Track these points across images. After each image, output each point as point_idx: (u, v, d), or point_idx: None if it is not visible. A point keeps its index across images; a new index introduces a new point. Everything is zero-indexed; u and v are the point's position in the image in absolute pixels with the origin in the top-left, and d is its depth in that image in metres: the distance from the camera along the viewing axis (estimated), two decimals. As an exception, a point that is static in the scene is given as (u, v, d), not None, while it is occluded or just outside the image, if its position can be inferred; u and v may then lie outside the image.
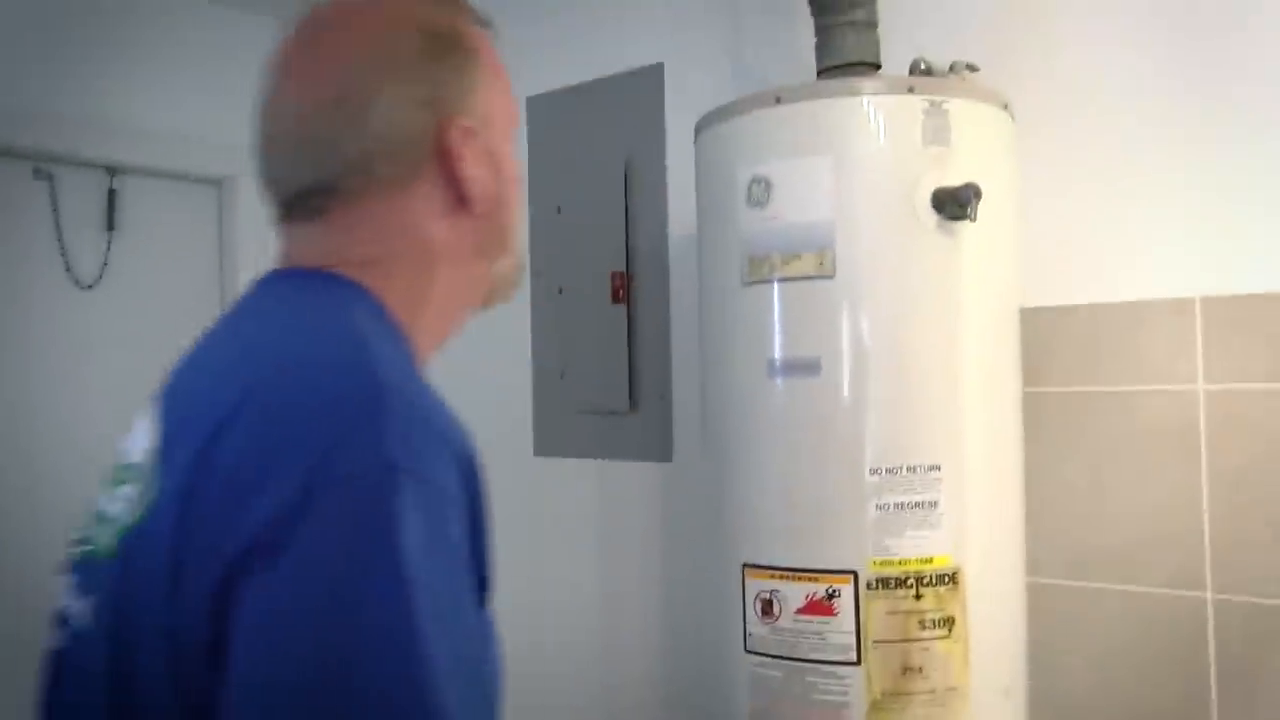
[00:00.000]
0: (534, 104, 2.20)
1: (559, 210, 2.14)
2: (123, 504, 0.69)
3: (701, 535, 1.50)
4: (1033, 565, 1.46)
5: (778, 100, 1.31)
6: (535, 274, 2.19)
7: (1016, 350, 1.43)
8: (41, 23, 2.20)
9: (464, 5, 0.86)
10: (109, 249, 2.35)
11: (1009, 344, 1.40)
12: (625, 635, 2.04)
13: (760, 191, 1.32)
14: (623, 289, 2.02)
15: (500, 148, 0.83)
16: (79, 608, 0.70)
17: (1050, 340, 1.53)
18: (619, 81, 2.05)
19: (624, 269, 2.02)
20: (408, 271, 0.79)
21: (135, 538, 0.66)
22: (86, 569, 0.71)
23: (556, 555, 2.17)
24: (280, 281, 0.79)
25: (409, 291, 0.79)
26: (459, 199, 0.80)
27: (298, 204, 0.78)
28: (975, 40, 1.59)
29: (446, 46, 0.80)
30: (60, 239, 2.28)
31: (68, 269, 2.29)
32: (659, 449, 1.98)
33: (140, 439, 0.71)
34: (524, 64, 2.20)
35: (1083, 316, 1.51)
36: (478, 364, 2.28)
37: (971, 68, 1.57)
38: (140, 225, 2.42)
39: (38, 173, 2.25)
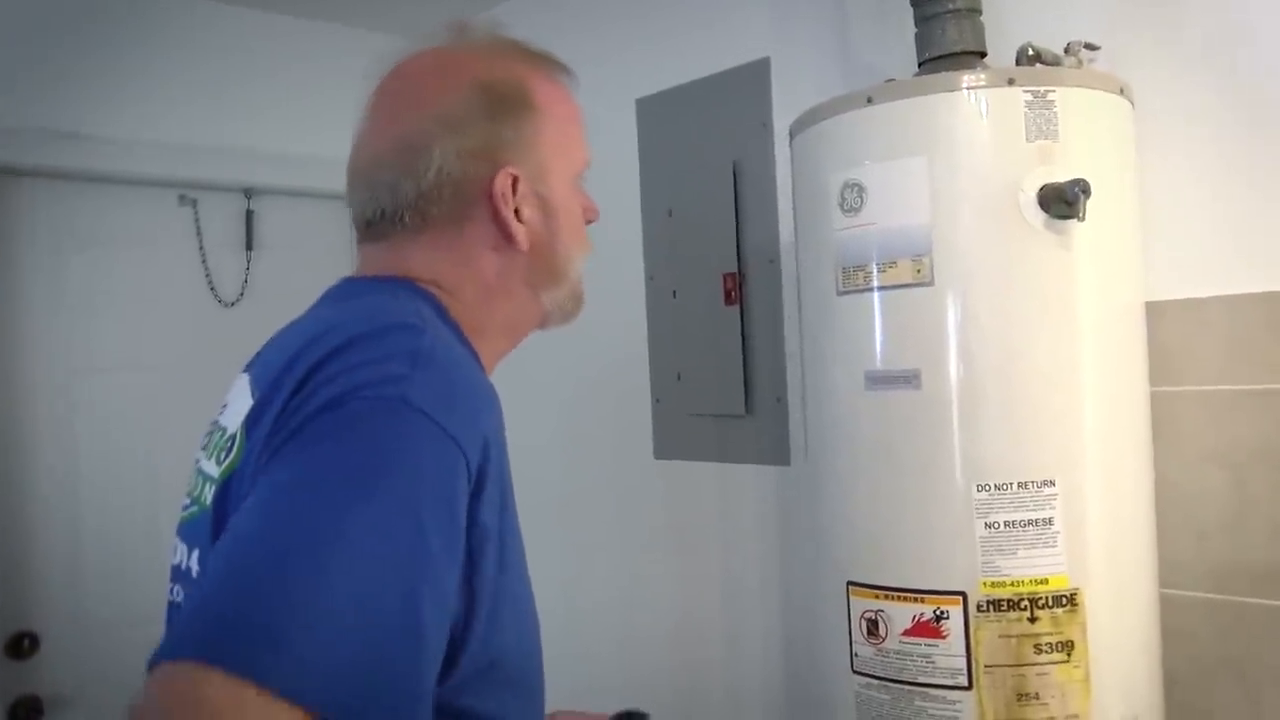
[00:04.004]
0: (643, 106, 2.18)
1: (670, 213, 2.12)
2: (218, 465, 0.77)
3: (814, 545, 1.45)
4: (1167, 579, 1.36)
5: (869, 100, 1.25)
6: (649, 278, 2.18)
7: (1142, 349, 1.33)
8: (188, 62, 2.33)
9: (537, 55, 0.94)
10: (248, 267, 2.47)
11: (1132, 344, 1.30)
12: (745, 640, 2.02)
13: (853, 197, 1.26)
14: (735, 291, 1.98)
15: (555, 191, 0.90)
16: (188, 561, 0.79)
17: (1183, 336, 1.41)
18: (725, 79, 2.01)
19: (736, 270, 1.98)
20: (467, 295, 0.88)
21: (224, 488, 0.74)
22: (191, 526, 0.80)
23: (677, 558, 2.16)
24: (353, 283, 0.91)
25: (467, 311, 0.88)
26: (506, 237, 0.88)
27: (368, 229, 0.91)
28: (1095, 14, 1.48)
29: (505, 101, 0.88)
30: (204, 260, 2.41)
31: (211, 288, 2.42)
32: (775, 453, 1.94)
33: (237, 407, 0.79)
34: (630, 66, 2.20)
35: (1219, 309, 1.38)
36: (599, 368, 2.29)
37: (1091, 46, 1.46)
38: (276, 243, 2.53)
39: (182, 199, 2.38)
